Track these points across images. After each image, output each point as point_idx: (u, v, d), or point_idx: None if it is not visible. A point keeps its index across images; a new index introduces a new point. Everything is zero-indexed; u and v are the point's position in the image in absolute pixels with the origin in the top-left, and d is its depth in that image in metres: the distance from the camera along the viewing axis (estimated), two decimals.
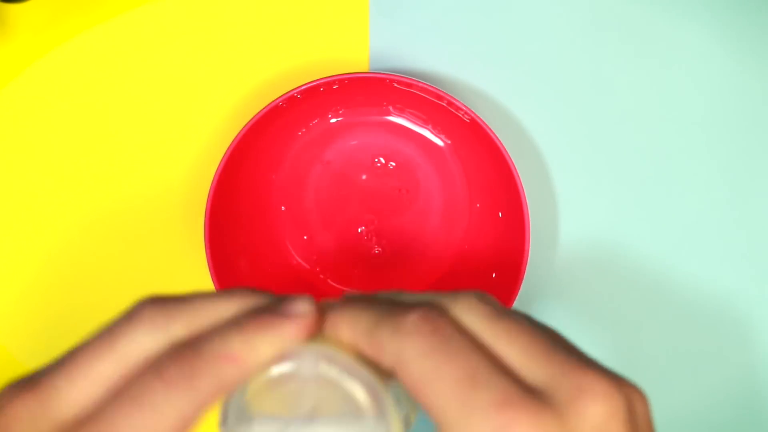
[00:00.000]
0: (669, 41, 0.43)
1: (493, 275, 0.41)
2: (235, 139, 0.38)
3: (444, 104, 0.39)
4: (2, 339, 0.44)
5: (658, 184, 0.43)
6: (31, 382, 0.21)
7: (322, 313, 0.24)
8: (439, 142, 0.42)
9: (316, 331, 0.23)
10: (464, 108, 0.38)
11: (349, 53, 0.43)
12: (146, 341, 0.21)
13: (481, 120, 0.38)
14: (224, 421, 0.22)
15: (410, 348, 0.21)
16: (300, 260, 0.44)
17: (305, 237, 0.44)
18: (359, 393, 0.22)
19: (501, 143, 0.38)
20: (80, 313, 0.44)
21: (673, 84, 0.43)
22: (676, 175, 0.43)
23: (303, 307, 0.23)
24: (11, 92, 0.43)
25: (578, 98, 0.43)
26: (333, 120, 0.42)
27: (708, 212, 0.43)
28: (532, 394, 0.20)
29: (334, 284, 0.44)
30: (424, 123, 0.42)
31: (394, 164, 0.43)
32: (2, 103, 0.43)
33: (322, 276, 0.44)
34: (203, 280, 0.44)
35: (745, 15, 0.42)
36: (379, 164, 0.43)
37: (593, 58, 0.43)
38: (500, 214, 0.41)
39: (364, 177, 0.43)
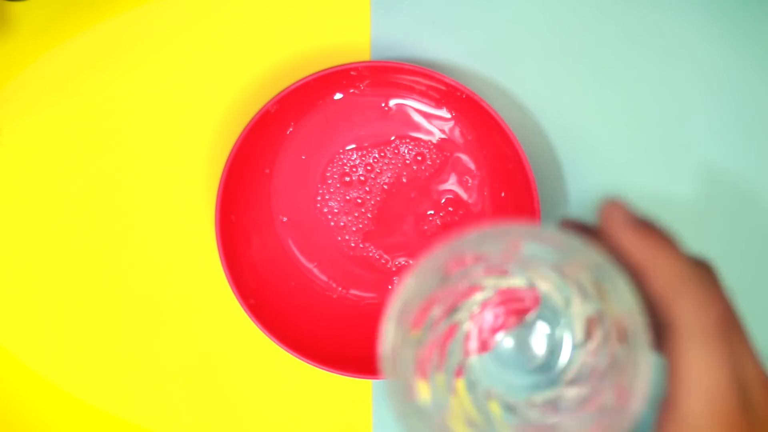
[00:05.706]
0: (668, 36, 0.43)
1: None
2: (231, 153, 0.38)
3: (441, 85, 0.39)
4: (2, 339, 0.44)
5: (657, 183, 0.43)
6: None
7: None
8: (442, 125, 0.42)
9: None
10: (462, 88, 0.38)
11: (350, 45, 0.43)
12: None
13: (478, 97, 0.38)
14: None
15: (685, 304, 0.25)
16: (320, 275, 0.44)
17: (316, 263, 0.44)
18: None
19: (502, 119, 0.38)
20: (81, 312, 0.44)
21: (673, 80, 0.43)
22: (675, 175, 0.43)
23: None
24: (13, 90, 0.43)
25: (578, 94, 0.43)
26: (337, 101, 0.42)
27: (707, 210, 0.43)
28: None
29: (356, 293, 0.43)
30: (437, 105, 0.42)
31: (404, 150, 0.43)
32: (4, 101, 0.43)
33: (341, 289, 0.44)
34: (211, 280, 0.43)
35: (744, 12, 0.43)
36: (387, 157, 0.43)
37: (594, 50, 0.42)
38: (503, 194, 0.41)
39: (374, 170, 0.43)
